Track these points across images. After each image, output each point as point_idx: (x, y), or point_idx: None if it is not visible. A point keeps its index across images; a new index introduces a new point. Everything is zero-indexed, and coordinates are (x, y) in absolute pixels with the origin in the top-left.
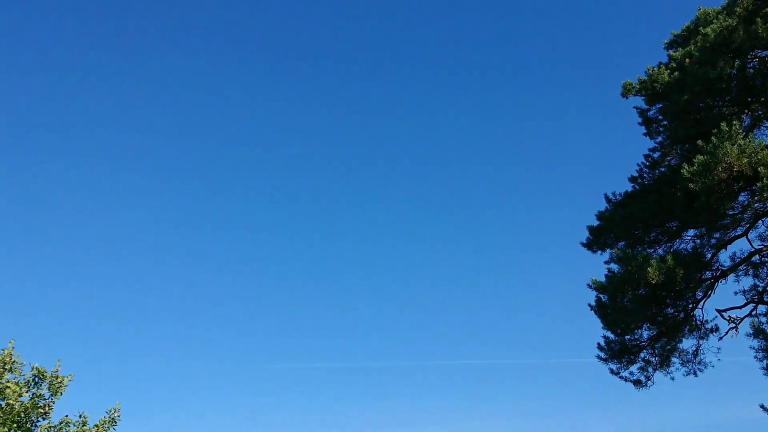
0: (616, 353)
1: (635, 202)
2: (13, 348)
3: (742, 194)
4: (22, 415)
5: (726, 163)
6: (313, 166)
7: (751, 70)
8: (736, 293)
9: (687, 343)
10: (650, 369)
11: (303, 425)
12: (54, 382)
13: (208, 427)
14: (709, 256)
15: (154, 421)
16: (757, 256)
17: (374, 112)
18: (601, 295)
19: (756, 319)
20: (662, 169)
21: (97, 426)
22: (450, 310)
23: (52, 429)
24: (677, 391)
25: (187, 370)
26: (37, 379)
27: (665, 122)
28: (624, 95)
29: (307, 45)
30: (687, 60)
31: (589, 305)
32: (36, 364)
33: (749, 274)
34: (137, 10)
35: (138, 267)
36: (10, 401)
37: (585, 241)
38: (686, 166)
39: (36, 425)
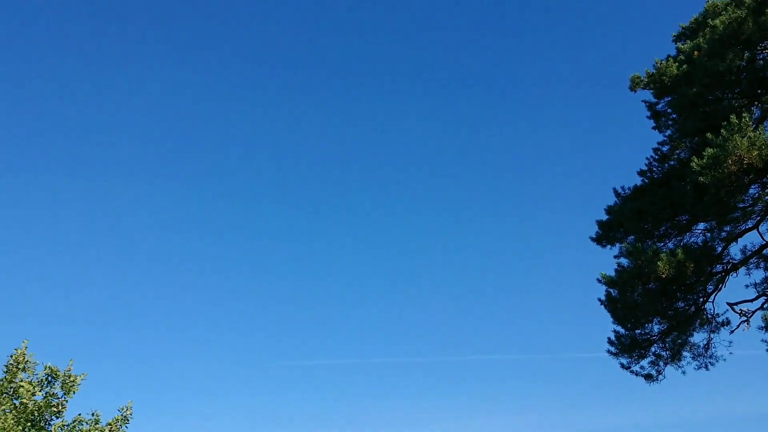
0: (627, 348)
1: (645, 196)
2: (26, 348)
3: (753, 187)
4: (36, 414)
5: (736, 156)
6: (320, 168)
7: (761, 62)
8: (747, 286)
9: (698, 337)
10: (661, 363)
11: (311, 422)
12: (67, 381)
13: (218, 425)
14: (719, 249)
15: (165, 420)
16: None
17: (377, 112)
18: (611, 290)
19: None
20: (671, 163)
21: (110, 424)
22: (457, 307)
23: (66, 427)
24: (689, 385)
25: (196, 369)
26: (50, 379)
27: (674, 115)
28: (632, 89)
29: (307, 47)
30: (696, 52)
31: (599, 300)
32: (49, 364)
33: (760, 267)
34: (138, 15)
35: (144, 269)
36: (24, 400)
37: (594, 236)
38: (696, 159)
39: (50, 424)
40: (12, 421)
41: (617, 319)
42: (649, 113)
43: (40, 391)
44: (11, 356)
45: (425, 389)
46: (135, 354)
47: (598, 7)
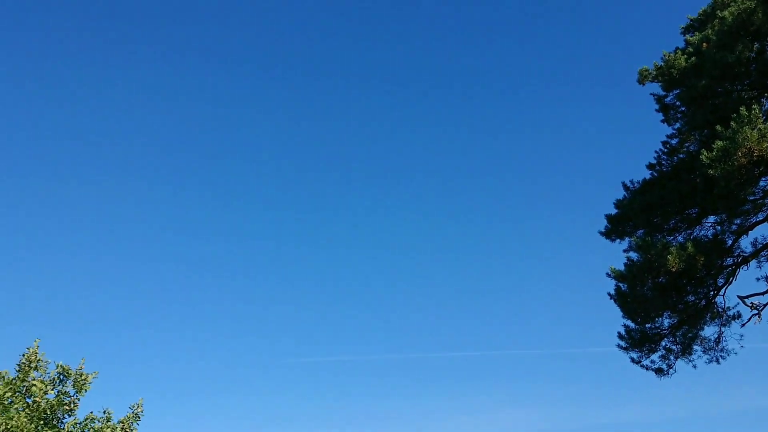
0: (637, 342)
1: (654, 189)
2: (38, 347)
3: (763, 179)
4: (49, 413)
5: (746, 148)
6: (324, 168)
7: None
8: (758, 279)
9: (709, 331)
10: (672, 357)
11: (317, 417)
12: (78, 380)
13: (224, 422)
14: (729, 242)
15: (173, 417)
16: None
17: (379, 113)
18: (621, 284)
19: None
20: (681, 156)
21: (121, 422)
22: (462, 305)
23: (78, 425)
24: (700, 379)
25: (202, 367)
26: (62, 377)
27: (683, 108)
28: (640, 82)
29: (306, 49)
30: (704, 44)
31: (609, 294)
32: (61, 362)
33: None
34: (138, 17)
35: (148, 270)
36: (37, 399)
37: (603, 230)
38: (705, 152)
39: (62, 422)
40: (25, 420)
41: (627, 313)
42: (657, 106)
43: (52, 389)
44: (23, 355)
45: (430, 385)
46: (137, 353)
47: (607, 0)
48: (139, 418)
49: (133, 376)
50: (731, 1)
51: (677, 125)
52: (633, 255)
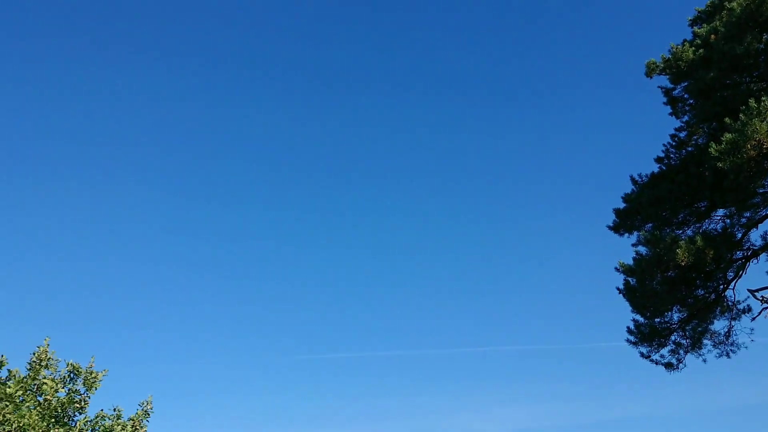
0: (647, 336)
1: (662, 183)
2: (48, 345)
3: None
4: (60, 410)
5: (755, 141)
6: (329, 169)
7: None
8: None
9: (719, 325)
10: (681, 351)
11: (323, 415)
12: (89, 378)
13: (231, 419)
14: (739, 235)
15: (180, 415)
16: None
17: (383, 113)
18: (630, 279)
19: None
20: (689, 149)
21: (132, 419)
22: (468, 301)
23: (89, 423)
24: (710, 373)
25: (208, 365)
26: (72, 375)
27: (691, 101)
28: (648, 75)
29: (305, 50)
30: (712, 36)
31: (617, 288)
32: (71, 361)
33: None
34: (138, 18)
35: (152, 270)
36: (48, 397)
37: (611, 224)
38: (714, 145)
39: (73, 420)
40: (37, 417)
41: (636, 307)
42: (665, 99)
43: (62, 387)
44: (34, 354)
45: (432, 382)
46: (139, 353)
47: None
48: (149, 415)
49: (134, 375)
50: None
51: (685, 118)
52: (642, 249)
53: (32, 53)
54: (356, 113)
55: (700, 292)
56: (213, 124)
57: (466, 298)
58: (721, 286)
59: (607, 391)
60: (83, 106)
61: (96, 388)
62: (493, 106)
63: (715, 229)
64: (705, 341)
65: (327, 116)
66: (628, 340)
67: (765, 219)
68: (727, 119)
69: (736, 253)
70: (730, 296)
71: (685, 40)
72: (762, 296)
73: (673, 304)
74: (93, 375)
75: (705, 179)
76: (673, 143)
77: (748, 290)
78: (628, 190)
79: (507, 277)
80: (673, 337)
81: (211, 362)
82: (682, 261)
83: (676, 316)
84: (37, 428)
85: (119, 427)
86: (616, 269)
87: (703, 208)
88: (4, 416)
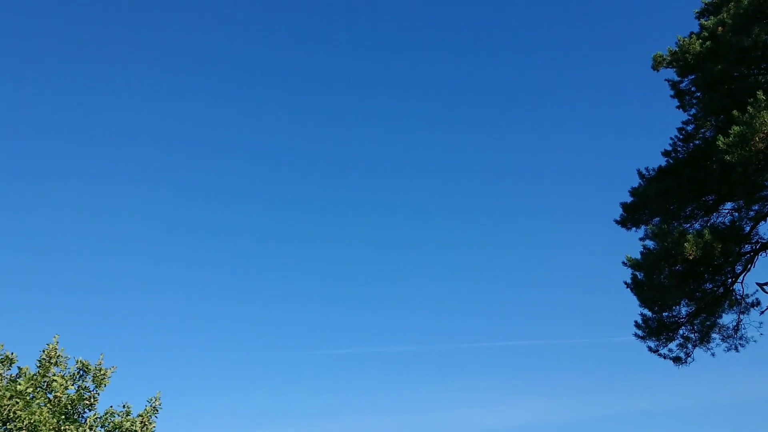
0: (655, 331)
1: (669, 176)
2: (57, 342)
3: None
4: (70, 407)
5: (763, 134)
6: (335, 170)
7: None
8: None
9: (727, 318)
10: (690, 345)
11: (337, 409)
12: (98, 375)
13: (236, 415)
14: (747, 228)
15: (190, 411)
16: None
17: (387, 113)
18: (637, 273)
19: None
20: (697, 142)
21: (140, 416)
22: (482, 296)
23: (99, 420)
24: (718, 367)
25: (214, 364)
26: (81, 372)
27: (698, 94)
28: (655, 68)
29: (307, 52)
30: (720, 28)
31: (625, 283)
32: (80, 358)
33: None
34: (137, 18)
35: (155, 270)
36: (58, 394)
37: (618, 219)
38: (722, 138)
39: (83, 417)
40: (47, 414)
41: (644, 302)
42: (672, 92)
43: (72, 384)
44: (43, 351)
45: (444, 375)
46: (142, 352)
47: None
48: (157, 411)
49: (139, 373)
50: None
51: (693, 111)
52: (649, 243)
53: (32, 53)
54: (356, 113)
55: (709, 285)
56: (213, 124)
57: (470, 295)
58: (730, 280)
59: (614, 386)
60: (83, 106)
61: (105, 385)
62: (493, 105)
63: (723, 223)
64: (713, 335)
65: (327, 116)
66: (635, 335)
67: None
68: (734, 112)
69: (744, 247)
70: (739, 290)
71: (692, 33)
72: None
73: (681, 298)
74: (102, 372)
75: (713, 172)
76: (681, 136)
77: (757, 284)
78: (630, 190)
79: (511, 274)
80: (681, 331)
81: (212, 361)
82: (690, 255)
83: (684, 310)
84: (47, 425)
85: (128, 423)
86: (624, 263)
87: (710, 202)
88: (14, 413)
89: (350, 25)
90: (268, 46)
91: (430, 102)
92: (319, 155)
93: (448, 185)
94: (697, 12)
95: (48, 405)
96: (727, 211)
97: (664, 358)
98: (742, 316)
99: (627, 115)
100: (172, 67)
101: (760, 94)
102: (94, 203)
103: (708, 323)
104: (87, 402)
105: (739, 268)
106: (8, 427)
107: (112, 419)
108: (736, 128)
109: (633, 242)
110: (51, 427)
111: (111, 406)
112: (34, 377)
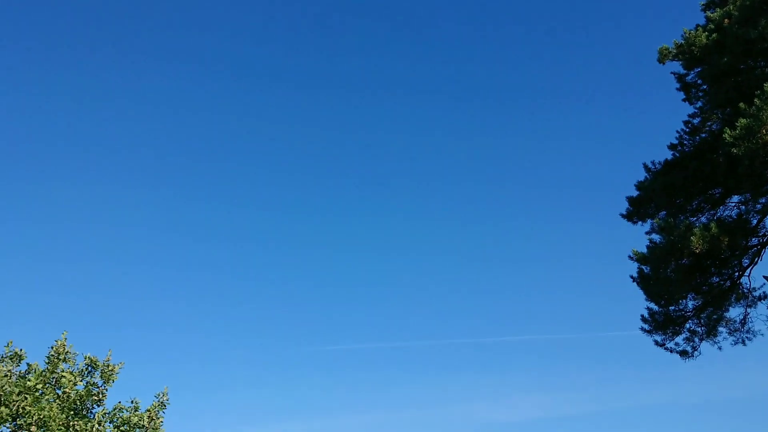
0: (661, 324)
1: (676, 170)
2: (66, 339)
3: None
4: (78, 403)
5: None
6: (337, 170)
7: None
8: None
9: (734, 312)
10: (696, 339)
11: (346, 403)
12: (106, 371)
13: (245, 414)
14: (754, 222)
15: (196, 407)
16: None
17: (392, 113)
18: (643, 267)
19: None
20: (703, 135)
21: (149, 410)
22: (490, 292)
23: (108, 415)
24: (725, 361)
25: (215, 363)
26: (90, 368)
27: (705, 86)
28: (660, 61)
29: (307, 53)
30: (726, 20)
31: (631, 277)
32: (88, 354)
33: None
34: (137, 19)
35: (155, 271)
36: (66, 390)
37: (624, 213)
38: (728, 131)
39: (92, 412)
40: (57, 410)
41: (650, 296)
42: (678, 85)
43: (81, 380)
44: (52, 347)
45: (452, 370)
46: (145, 350)
47: None
48: (165, 406)
49: (146, 370)
50: None
51: (699, 104)
52: (655, 237)
53: (33, 55)
54: (356, 115)
55: (715, 279)
56: (214, 126)
57: (477, 291)
58: (737, 273)
59: (620, 380)
60: (85, 108)
61: (113, 381)
62: (494, 101)
63: (730, 216)
64: (720, 329)
65: (327, 117)
66: (642, 329)
67: None
68: (741, 104)
69: (751, 240)
70: (746, 283)
71: (698, 25)
72: None
73: (687, 292)
74: (110, 368)
75: (719, 165)
76: (687, 129)
77: (764, 277)
78: (635, 183)
79: (511, 273)
80: (687, 325)
81: (212, 361)
82: (697, 248)
83: (690, 304)
84: (56, 420)
85: (136, 418)
86: (630, 257)
87: (717, 195)
88: (24, 409)
89: (350, 27)
90: (268, 48)
91: (430, 102)
92: (319, 156)
93: (448, 185)
94: (703, 4)
95: (57, 401)
96: (733, 204)
97: (671, 351)
98: (749, 310)
99: (632, 110)
100: (173, 68)
101: (766, 87)
102: (98, 204)
103: (715, 317)
104: (95, 398)
105: (746, 262)
106: (18, 422)
107: (121, 414)
108: (742, 121)
109: (636, 238)
110: (60, 423)
111: (120, 402)
112: (43, 373)
